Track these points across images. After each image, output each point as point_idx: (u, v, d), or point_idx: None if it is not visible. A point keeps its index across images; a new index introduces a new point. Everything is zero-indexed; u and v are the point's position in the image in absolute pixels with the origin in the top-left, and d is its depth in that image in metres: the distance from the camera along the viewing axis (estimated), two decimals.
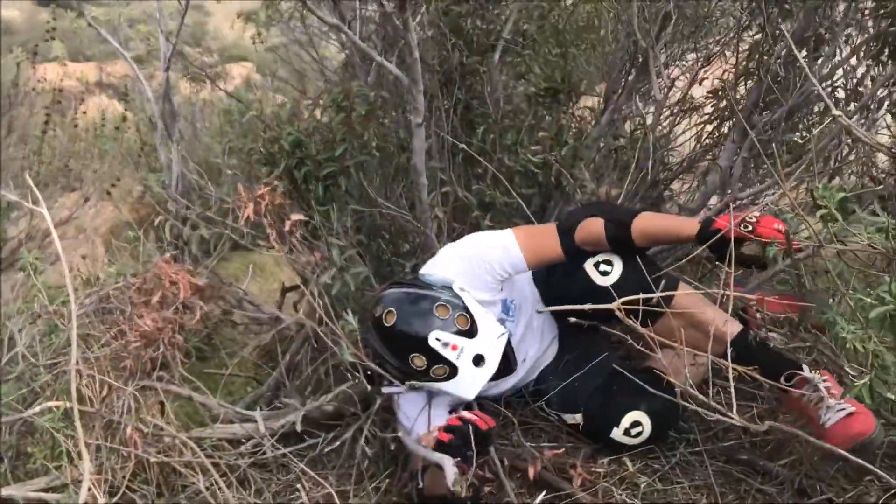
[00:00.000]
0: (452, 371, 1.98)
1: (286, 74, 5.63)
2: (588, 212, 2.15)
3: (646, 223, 2.04)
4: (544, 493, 2.03)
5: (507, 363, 2.11)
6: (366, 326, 2.09)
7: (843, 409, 1.98)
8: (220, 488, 2.04)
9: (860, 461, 1.70)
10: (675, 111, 3.03)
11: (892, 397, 1.56)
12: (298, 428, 2.31)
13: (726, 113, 2.91)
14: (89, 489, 1.81)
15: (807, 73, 2.19)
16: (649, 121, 2.93)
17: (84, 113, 4.46)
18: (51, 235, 3.66)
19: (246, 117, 2.52)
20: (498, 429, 2.20)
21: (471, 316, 2.01)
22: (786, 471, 2.15)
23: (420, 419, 2.14)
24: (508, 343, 2.13)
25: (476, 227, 2.74)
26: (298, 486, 2.18)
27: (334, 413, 2.42)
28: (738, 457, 2.23)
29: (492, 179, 2.70)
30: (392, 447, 2.26)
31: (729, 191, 2.38)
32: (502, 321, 2.25)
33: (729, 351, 1.72)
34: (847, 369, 2.04)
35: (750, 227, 1.85)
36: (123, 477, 2.02)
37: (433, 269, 2.16)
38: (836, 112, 1.40)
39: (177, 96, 5.39)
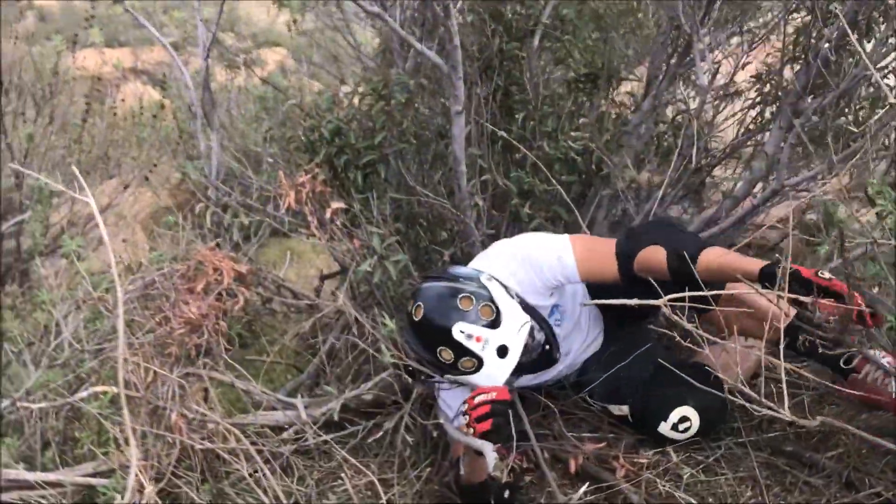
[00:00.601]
0: (479, 363, 1.98)
1: (321, 60, 5.62)
2: (651, 237, 2.07)
3: (710, 260, 1.94)
4: (587, 484, 2.02)
5: (550, 355, 2.09)
6: (403, 322, 2.10)
7: None
8: (263, 475, 2.06)
9: None
10: (719, 96, 2.97)
11: None
12: (336, 417, 2.32)
13: (770, 98, 2.85)
14: (136, 475, 1.83)
15: (858, 57, 2.14)
16: (692, 106, 2.89)
17: (122, 101, 4.49)
18: (92, 222, 3.72)
19: (286, 106, 2.51)
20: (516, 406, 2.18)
21: (496, 306, 2.00)
22: (833, 463, 2.11)
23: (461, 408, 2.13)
24: (552, 334, 2.11)
25: (516, 215, 2.72)
26: (341, 473, 2.19)
27: (374, 401, 2.43)
28: (783, 448, 2.19)
29: (531, 167, 2.67)
30: (433, 435, 2.27)
31: (774, 177, 2.33)
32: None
33: (782, 341, 1.68)
34: None
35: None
36: (169, 463, 2.04)
37: (484, 265, 2.14)
38: (893, 99, 1.36)
39: (213, 83, 5.42)
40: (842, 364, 2.01)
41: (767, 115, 2.88)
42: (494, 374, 1.99)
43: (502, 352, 1.98)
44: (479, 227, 2.64)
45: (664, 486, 2.08)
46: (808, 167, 2.43)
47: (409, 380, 2.20)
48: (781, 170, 2.28)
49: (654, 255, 2.01)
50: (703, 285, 1.71)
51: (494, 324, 1.99)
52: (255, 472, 2.09)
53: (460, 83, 2.28)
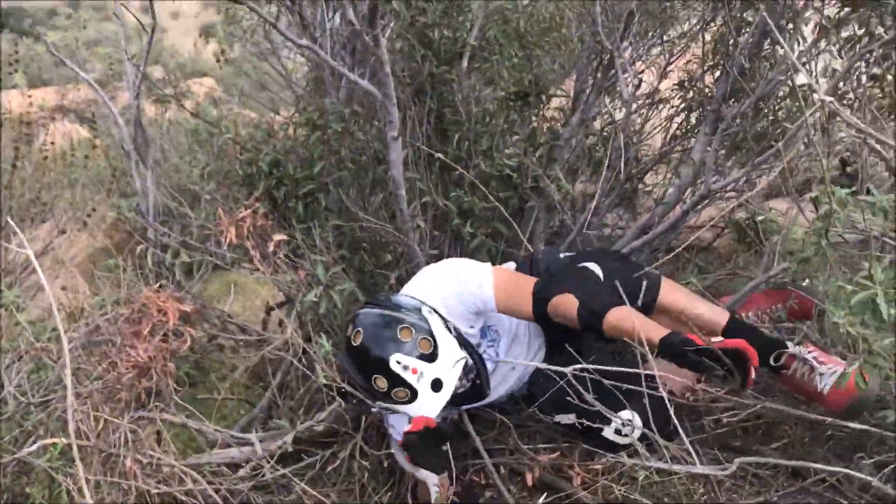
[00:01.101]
0: (413, 395, 2.00)
1: (250, 89, 5.61)
2: (568, 285, 2.13)
3: (617, 321, 2.00)
4: (545, 495, 2.06)
5: (480, 390, 2.14)
6: (341, 346, 2.11)
7: (835, 371, 2.03)
8: None
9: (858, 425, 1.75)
10: (644, 105, 3.07)
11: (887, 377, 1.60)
12: (289, 448, 2.31)
13: (693, 104, 2.96)
14: None
15: (772, 64, 2.24)
16: (619, 117, 2.98)
17: (52, 143, 4.41)
18: (29, 268, 3.63)
19: (221, 140, 2.51)
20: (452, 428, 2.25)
21: (434, 340, 2.03)
22: (778, 454, 2.20)
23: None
24: (484, 368, 2.16)
25: (457, 234, 2.77)
26: None
27: (328, 431, 2.43)
28: (731, 444, 2.27)
29: (469, 186, 2.72)
30: (389, 461, 2.28)
31: (702, 182, 2.42)
32: (479, 346, 2.26)
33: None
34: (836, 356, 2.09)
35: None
36: None
37: (414, 291, 2.17)
38: (825, 97, 1.43)
39: (143, 118, 5.35)
40: (772, 362, 2.10)
41: (693, 121, 3.00)
42: (427, 407, 2.01)
43: (436, 385, 2.01)
44: (422, 248, 2.67)
45: (620, 490, 2.13)
46: (734, 170, 2.53)
47: (343, 403, 2.21)
48: (708, 175, 2.36)
49: (568, 306, 2.07)
50: None
51: (431, 357, 2.01)
52: None
53: (394, 109, 2.31)
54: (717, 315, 2.21)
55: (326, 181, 2.58)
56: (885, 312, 1.46)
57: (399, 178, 2.48)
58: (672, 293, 2.25)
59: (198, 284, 2.69)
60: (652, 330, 1.92)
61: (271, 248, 2.48)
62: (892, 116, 2.13)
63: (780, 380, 2.18)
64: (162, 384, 2.25)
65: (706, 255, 3.45)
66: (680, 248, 2.32)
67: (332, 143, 2.52)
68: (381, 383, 2.00)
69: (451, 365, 2.03)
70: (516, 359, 2.39)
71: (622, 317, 2.00)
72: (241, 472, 2.29)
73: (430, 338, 2.02)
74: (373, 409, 2.16)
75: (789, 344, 2.12)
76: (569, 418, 2.28)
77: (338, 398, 2.26)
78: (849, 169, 3.04)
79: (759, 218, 1.93)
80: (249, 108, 5.61)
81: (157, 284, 2.34)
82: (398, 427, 2.22)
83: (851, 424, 1.83)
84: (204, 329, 2.67)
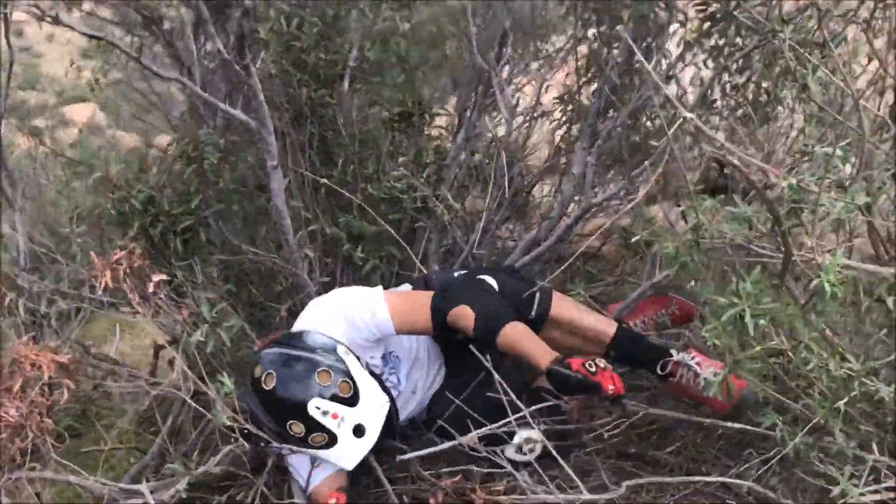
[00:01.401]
0: (332, 440, 1.93)
1: (129, 115, 5.40)
2: (466, 298, 2.11)
3: (510, 339, 2.02)
4: None
5: (391, 429, 2.10)
6: (246, 386, 2.02)
7: (718, 374, 2.08)
8: None
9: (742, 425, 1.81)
10: (526, 119, 3.10)
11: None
12: (183, 495, 2.22)
13: (573, 117, 3.01)
14: None
15: (643, 77, 2.30)
16: (502, 132, 3.01)
17: None
18: None
19: (92, 178, 2.40)
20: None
21: (353, 382, 1.97)
22: (672, 457, 2.25)
23: (314, 475, 2.10)
24: (394, 405, 2.11)
25: (348, 260, 2.72)
26: None
27: (225, 475, 2.34)
28: (627, 451, 2.31)
29: (358, 210, 2.69)
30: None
31: (583, 197, 2.46)
32: (382, 374, 2.23)
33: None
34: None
35: (594, 370, 1.88)
36: None
37: (306, 325, 2.11)
38: (687, 114, 1.47)
39: (15, 151, 5.08)
40: (659, 371, 2.15)
41: (575, 132, 3.05)
42: (348, 454, 1.96)
43: (358, 431, 1.94)
44: (312, 277, 2.62)
45: None
46: (614, 182, 2.58)
47: (246, 445, 2.13)
48: (588, 188, 2.41)
49: (465, 318, 2.07)
50: None
51: (352, 401, 1.95)
52: None
53: (271, 138, 2.26)
54: (606, 325, 2.26)
55: (206, 215, 2.49)
56: (751, 328, 1.50)
57: (282, 207, 2.42)
58: (562, 306, 2.27)
59: (76, 330, 2.54)
60: (541, 355, 1.93)
61: (151, 289, 2.39)
62: (753, 124, 2.21)
63: (667, 386, 2.23)
64: (39, 442, 2.12)
65: (595, 263, 3.51)
66: (570, 260, 2.35)
67: (209, 176, 2.44)
68: (298, 429, 1.93)
69: (374, 409, 1.97)
70: (416, 383, 2.36)
71: (515, 339, 2.01)
72: None
73: (349, 380, 1.96)
74: (283, 453, 2.09)
75: (673, 351, 2.18)
76: (469, 438, 2.25)
77: (240, 439, 2.18)
78: (726, 170, 3.16)
79: (635, 232, 1.96)
80: (130, 130, 5.41)
81: (31, 336, 2.20)
82: (300, 470, 2.15)
83: (730, 424, 1.89)
84: (87, 376, 2.53)
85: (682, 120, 1.47)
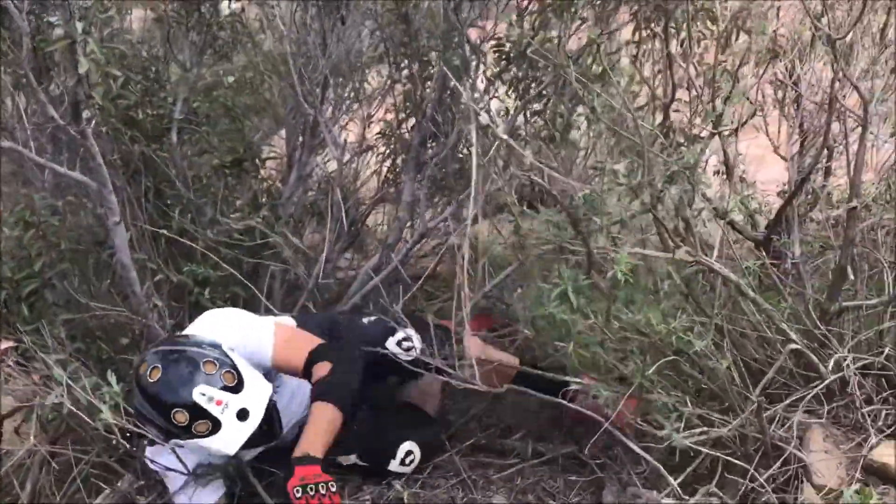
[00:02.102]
0: (215, 427, 1.99)
1: None
2: (333, 353, 2.24)
3: (314, 414, 2.15)
4: None
5: (272, 428, 2.19)
6: (129, 387, 2.04)
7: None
8: None
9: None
10: (355, 154, 3.31)
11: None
12: None
13: (396, 150, 3.26)
14: None
15: (455, 112, 2.57)
16: (332, 168, 3.20)
17: None
18: None
19: None
20: None
21: (238, 373, 2.04)
22: (520, 443, 2.53)
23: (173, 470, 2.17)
24: (275, 409, 2.22)
25: (196, 304, 2.80)
26: None
27: None
28: (479, 444, 2.56)
29: (201, 256, 2.77)
30: None
31: (419, 222, 2.70)
32: None
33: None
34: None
35: (312, 493, 2.00)
36: None
37: (195, 331, 2.18)
38: (502, 136, 1.72)
39: None
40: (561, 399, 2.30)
41: (399, 163, 3.29)
42: (231, 438, 2.01)
43: (242, 415, 2.01)
44: (162, 325, 2.68)
45: None
46: (444, 208, 2.83)
47: (127, 445, 2.15)
48: (422, 215, 2.65)
49: (320, 371, 2.20)
50: None
51: (236, 389, 2.01)
52: None
53: (112, 196, 2.33)
54: (511, 360, 2.48)
55: (49, 276, 2.50)
56: (574, 301, 1.79)
57: (127, 261, 2.48)
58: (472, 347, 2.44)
59: None
60: (307, 445, 2.08)
61: None
62: (555, 145, 2.53)
63: (572, 417, 2.41)
64: None
65: (433, 282, 3.77)
66: (419, 283, 2.57)
67: (49, 238, 2.46)
68: (182, 417, 1.97)
69: (258, 394, 2.04)
70: (300, 405, 2.43)
71: (315, 418, 2.15)
72: None
73: (233, 371, 2.03)
74: (166, 446, 2.10)
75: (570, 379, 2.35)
76: (349, 459, 2.40)
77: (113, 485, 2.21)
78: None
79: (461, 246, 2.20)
80: None
81: None
82: (156, 458, 2.21)
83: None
84: None
85: (497, 143, 1.74)
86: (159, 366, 2.01)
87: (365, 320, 2.47)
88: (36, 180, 2.92)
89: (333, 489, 2.02)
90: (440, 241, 3.19)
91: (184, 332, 2.21)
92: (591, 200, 1.75)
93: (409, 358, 2.34)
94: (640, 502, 2.17)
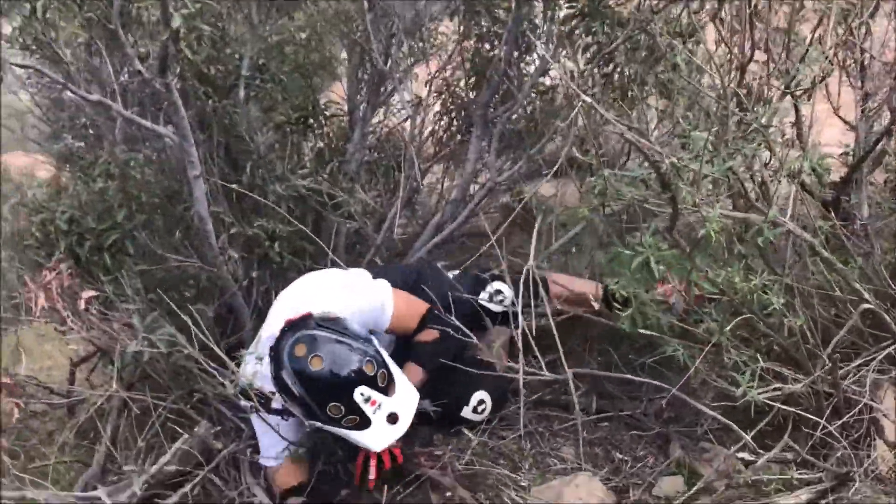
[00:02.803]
0: (364, 424, 2.05)
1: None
2: (441, 323, 2.32)
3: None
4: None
5: None
6: (279, 362, 2.08)
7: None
8: None
9: None
10: (416, 113, 3.33)
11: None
12: (138, 490, 2.31)
13: (463, 105, 3.28)
14: None
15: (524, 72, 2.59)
16: (395, 124, 3.24)
17: None
18: None
19: (8, 204, 2.43)
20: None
21: (390, 374, 2.10)
22: (582, 398, 2.58)
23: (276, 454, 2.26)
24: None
25: (266, 257, 2.87)
26: None
27: (176, 473, 2.46)
28: (543, 399, 2.62)
29: (268, 210, 2.83)
30: None
31: (489, 178, 2.73)
32: None
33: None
34: None
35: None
36: None
37: (316, 303, 2.19)
38: (585, 98, 1.75)
39: None
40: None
41: (455, 124, 3.32)
42: (379, 438, 2.07)
43: (393, 419, 2.07)
44: (236, 278, 2.75)
45: (463, 462, 2.38)
46: (507, 164, 2.87)
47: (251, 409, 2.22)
48: (492, 170, 2.68)
49: (425, 336, 2.38)
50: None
51: (387, 391, 2.08)
52: None
53: (193, 150, 2.38)
54: (594, 288, 2.55)
55: (129, 228, 2.58)
56: (656, 271, 1.83)
57: (205, 214, 2.54)
58: (556, 283, 2.55)
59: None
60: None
61: (83, 306, 2.46)
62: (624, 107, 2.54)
63: None
64: None
65: (485, 241, 3.81)
66: (498, 233, 2.62)
67: (129, 191, 2.53)
68: (336, 411, 2.03)
69: (407, 400, 2.10)
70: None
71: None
72: None
73: (386, 371, 2.09)
74: (306, 427, 2.17)
75: None
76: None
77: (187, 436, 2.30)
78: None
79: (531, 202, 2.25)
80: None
81: None
82: (267, 442, 2.28)
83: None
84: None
85: (581, 102, 1.76)
86: (322, 356, 2.03)
87: (450, 274, 2.51)
88: (106, 129, 2.97)
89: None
90: (502, 198, 3.24)
91: (334, 315, 2.18)
92: (678, 166, 1.77)
93: (502, 310, 2.41)
94: (707, 456, 2.22)
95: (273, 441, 2.26)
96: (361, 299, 2.30)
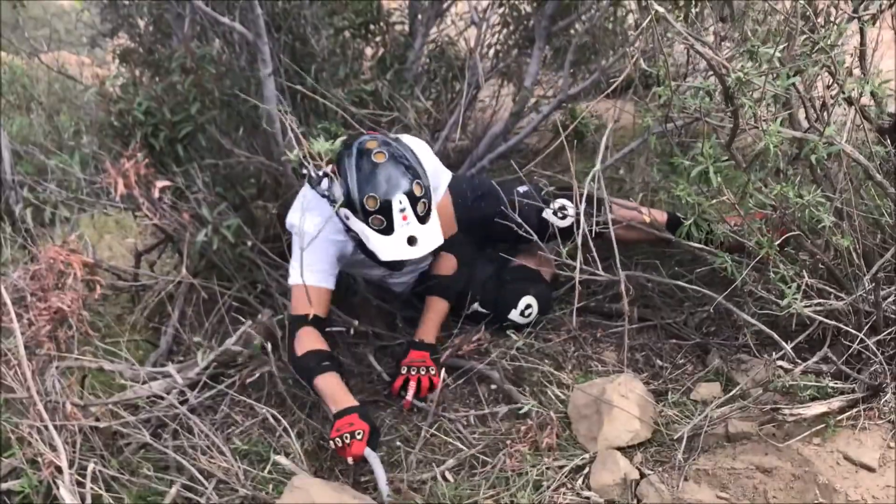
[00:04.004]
0: (387, 231, 2.14)
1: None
2: (461, 251, 2.58)
3: (436, 309, 2.55)
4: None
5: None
6: (349, 146, 2.20)
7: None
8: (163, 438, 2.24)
9: None
10: (474, 23, 3.36)
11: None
12: (202, 363, 2.48)
13: (511, 22, 3.30)
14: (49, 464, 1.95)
15: None
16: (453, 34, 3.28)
17: None
18: None
19: (87, 96, 2.55)
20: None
21: (429, 208, 2.19)
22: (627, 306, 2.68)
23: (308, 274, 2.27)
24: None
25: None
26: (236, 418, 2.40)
27: (239, 353, 2.62)
28: (589, 307, 2.73)
29: (332, 113, 2.92)
30: None
31: (561, 90, 2.77)
32: None
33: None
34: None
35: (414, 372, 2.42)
36: (74, 451, 2.12)
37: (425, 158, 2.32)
38: (658, 8, 1.80)
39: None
40: None
41: (518, 37, 3.34)
42: (390, 249, 2.16)
43: (412, 241, 2.15)
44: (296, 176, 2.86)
45: (503, 356, 2.51)
46: (579, 79, 2.90)
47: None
48: (565, 82, 2.72)
49: (444, 263, 2.58)
50: None
51: (423, 220, 2.17)
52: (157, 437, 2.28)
53: (266, 48, 2.46)
54: (658, 215, 2.59)
55: (201, 121, 2.69)
56: (714, 181, 1.91)
57: (274, 113, 2.64)
58: (620, 208, 2.58)
59: (77, 232, 2.72)
60: (423, 332, 2.53)
61: (157, 195, 2.60)
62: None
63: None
64: (80, 331, 2.34)
65: (533, 158, 3.87)
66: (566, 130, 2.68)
67: (205, 85, 2.63)
68: (372, 203, 2.11)
69: (432, 236, 2.19)
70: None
71: (430, 307, 2.56)
72: (168, 401, 2.43)
73: (428, 202, 2.18)
74: (332, 207, 2.20)
75: None
76: (472, 307, 2.62)
77: (250, 320, 2.45)
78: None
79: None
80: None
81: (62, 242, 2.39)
82: (306, 256, 2.20)
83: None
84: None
85: (654, 13, 1.81)
86: (386, 154, 2.15)
87: (521, 189, 2.59)
88: (176, 29, 3.06)
89: (433, 372, 2.41)
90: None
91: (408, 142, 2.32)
92: (741, 81, 1.82)
93: (566, 225, 2.52)
94: (745, 367, 2.32)
95: (308, 260, 2.22)
96: (431, 163, 2.37)
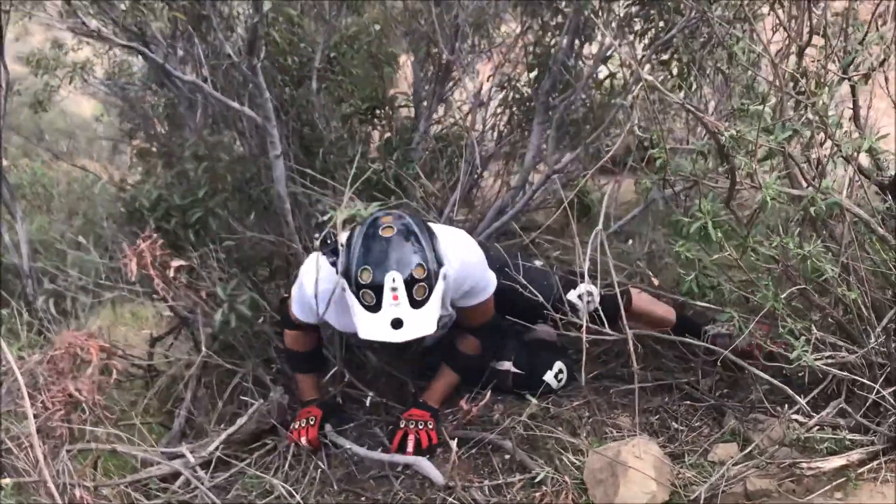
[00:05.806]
0: (374, 308, 2.03)
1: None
2: (488, 339, 2.58)
3: (447, 379, 2.60)
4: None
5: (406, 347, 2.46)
6: (367, 219, 2.14)
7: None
8: None
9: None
10: (478, 105, 3.47)
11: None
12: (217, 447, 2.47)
13: (513, 102, 3.41)
14: None
15: (583, 59, 2.71)
16: (458, 118, 3.38)
17: None
18: None
19: (98, 187, 2.64)
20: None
21: (429, 295, 2.07)
22: (640, 371, 2.67)
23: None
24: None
25: None
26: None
27: (254, 433, 2.62)
28: (602, 373, 2.74)
29: (340, 192, 2.99)
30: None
31: (547, 166, 2.86)
32: None
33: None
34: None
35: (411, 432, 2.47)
36: None
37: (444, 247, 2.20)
38: (647, 76, 1.86)
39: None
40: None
41: (516, 117, 3.44)
42: (372, 329, 2.05)
43: (397, 324, 2.03)
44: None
45: (517, 423, 2.48)
46: (569, 151, 2.98)
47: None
48: (550, 158, 2.80)
49: (469, 344, 2.56)
50: None
51: (416, 304, 2.05)
52: None
53: (275, 131, 2.56)
54: (671, 315, 2.69)
55: (211, 206, 2.76)
56: (713, 236, 1.93)
57: (284, 193, 2.72)
58: (640, 300, 2.66)
59: (95, 320, 2.77)
60: (429, 396, 2.58)
61: (172, 274, 2.65)
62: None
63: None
64: (93, 417, 2.35)
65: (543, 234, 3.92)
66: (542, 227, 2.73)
67: (218, 172, 2.71)
68: (366, 276, 2.03)
69: (420, 325, 2.06)
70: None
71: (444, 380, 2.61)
72: (177, 484, 2.42)
73: (428, 290, 2.06)
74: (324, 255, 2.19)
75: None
76: (503, 365, 2.67)
77: (261, 400, 2.47)
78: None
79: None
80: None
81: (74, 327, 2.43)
82: (305, 292, 2.30)
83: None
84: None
85: (642, 83, 1.88)
86: (395, 229, 2.07)
87: (538, 263, 2.63)
88: (187, 116, 3.18)
89: (432, 427, 2.47)
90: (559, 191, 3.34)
91: (437, 228, 2.25)
92: (734, 139, 1.87)
93: (591, 310, 2.36)
94: (762, 426, 2.30)
95: (307, 301, 2.29)
96: (475, 272, 2.34)
